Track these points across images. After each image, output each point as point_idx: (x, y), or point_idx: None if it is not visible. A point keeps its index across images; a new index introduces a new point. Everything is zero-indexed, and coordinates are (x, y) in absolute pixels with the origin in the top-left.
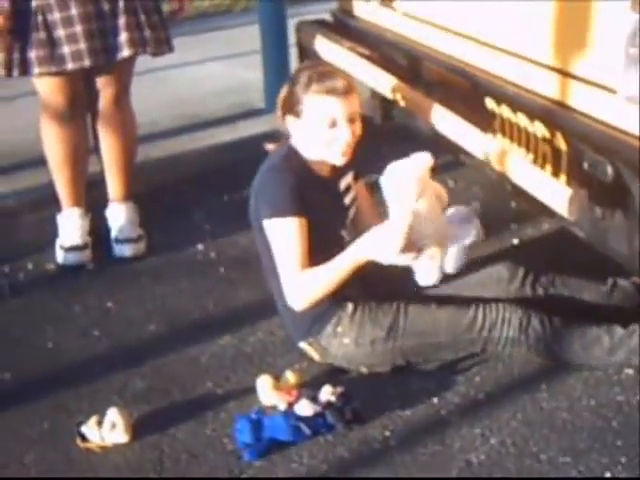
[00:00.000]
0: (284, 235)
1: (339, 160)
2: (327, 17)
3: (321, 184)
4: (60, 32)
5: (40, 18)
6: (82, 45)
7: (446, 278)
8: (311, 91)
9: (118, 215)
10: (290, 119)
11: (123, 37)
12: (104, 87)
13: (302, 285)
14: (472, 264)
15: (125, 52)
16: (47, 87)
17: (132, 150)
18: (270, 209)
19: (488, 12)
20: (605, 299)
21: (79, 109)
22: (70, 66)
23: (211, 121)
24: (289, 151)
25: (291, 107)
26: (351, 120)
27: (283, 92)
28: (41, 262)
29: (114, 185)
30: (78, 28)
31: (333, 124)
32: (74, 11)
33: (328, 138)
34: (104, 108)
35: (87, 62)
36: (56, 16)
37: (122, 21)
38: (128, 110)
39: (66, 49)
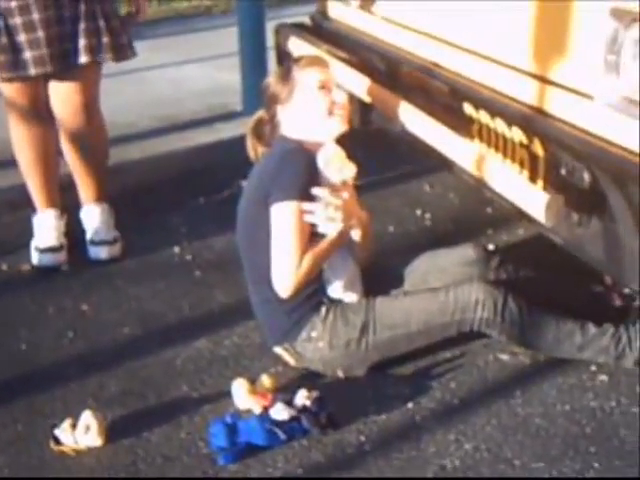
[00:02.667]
0: (296, 218)
1: (340, 128)
2: (306, 20)
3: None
4: (22, 37)
5: (1, 23)
6: (44, 50)
7: (409, 267)
8: (297, 68)
9: (92, 217)
10: (280, 108)
11: (81, 43)
12: (71, 95)
13: (298, 273)
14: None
15: (83, 58)
16: (11, 91)
17: (102, 157)
18: (287, 190)
19: (467, 17)
20: (568, 297)
21: (45, 111)
22: (32, 71)
23: (189, 123)
24: (293, 141)
25: (278, 95)
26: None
27: (266, 92)
28: (16, 263)
29: (85, 188)
30: (40, 33)
31: (323, 87)
32: (35, 16)
33: (327, 104)
34: (72, 117)
35: (49, 67)
36: (17, 21)
37: (82, 27)
38: (98, 118)
39: (28, 54)
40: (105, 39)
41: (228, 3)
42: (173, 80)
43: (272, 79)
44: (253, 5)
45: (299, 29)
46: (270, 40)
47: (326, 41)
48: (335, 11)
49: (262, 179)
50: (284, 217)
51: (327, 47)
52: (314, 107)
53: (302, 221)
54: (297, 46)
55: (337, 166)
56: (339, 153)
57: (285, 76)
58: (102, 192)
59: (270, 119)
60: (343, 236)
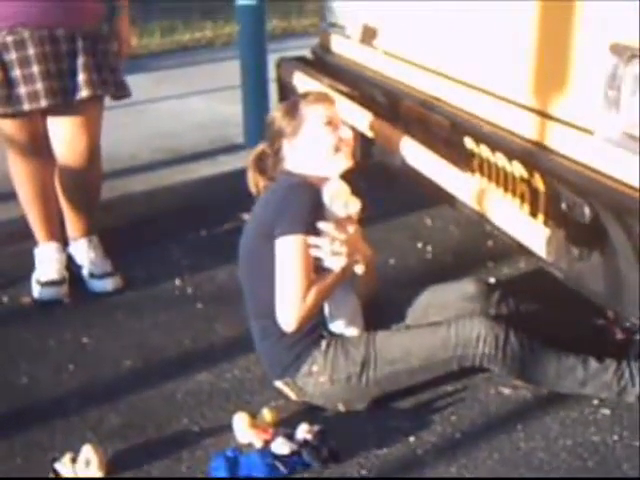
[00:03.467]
0: (302, 251)
1: (346, 164)
2: (308, 53)
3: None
4: (16, 72)
5: None
6: (39, 85)
7: (410, 302)
8: (304, 103)
9: (87, 251)
10: (286, 143)
11: (81, 78)
12: (75, 138)
13: (303, 308)
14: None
15: (83, 93)
16: (7, 127)
17: (97, 194)
18: (293, 224)
19: (468, 52)
20: (569, 331)
21: (44, 145)
22: (26, 107)
23: (191, 155)
24: (298, 176)
25: (284, 130)
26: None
27: (272, 126)
28: (17, 296)
29: (76, 223)
30: (35, 68)
31: (330, 123)
32: (31, 51)
33: (334, 141)
34: (74, 160)
35: (44, 103)
36: (13, 56)
37: (80, 62)
38: (98, 159)
39: (22, 90)
40: (105, 75)
41: (230, 35)
42: (175, 112)
43: (278, 113)
44: (254, 38)
45: (300, 63)
46: (272, 73)
47: (327, 75)
48: (336, 45)
49: (266, 213)
50: (289, 251)
51: (328, 81)
52: (321, 143)
53: (307, 255)
54: (299, 80)
55: (342, 201)
56: (344, 188)
57: (291, 111)
58: (93, 226)
59: (274, 153)
60: (347, 271)
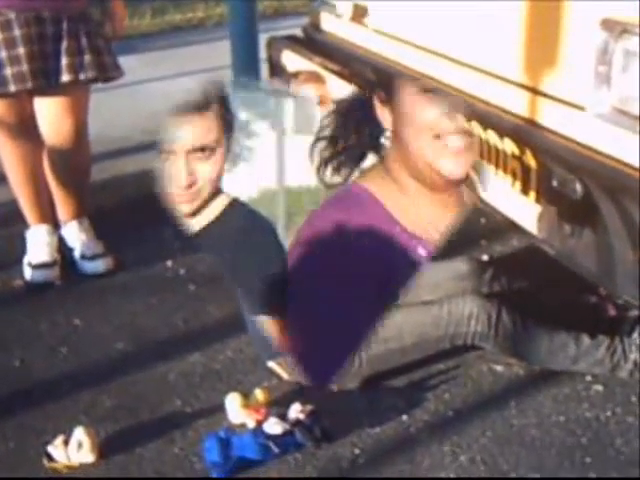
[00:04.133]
0: None
1: None
2: (299, 32)
3: None
4: (2, 53)
5: None
6: (24, 67)
7: None
8: (295, 83)
9: (78, 233)
10: None
11: (63, 62)
12: (60, 120)
13: None
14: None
15: (65, 77)
16: None
17: (86, 177)
18: None
19: (459, 29)
20: (562, 308)
21: (32, 127)
22: (13, 88)
23: None
24: None
25: None
26: None
27: None
28: (8, 279)
29: (67, 206)
30: (21, 50)
31: (321, 102)
32: (17, 32)
33: None
34: (61, 142)
35: (30, 84)
36: None
37: (64, 45)
38: (86, 142)
39: (8, 70)
40: (88, 57)
41: (221, 16)
42: (166, 93)
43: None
44: (245, 18)
45: (291, 41)
46: (263, 53)
47: (318, 53)
48: (327, 23)
49: None
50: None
51: (319, 59)
52: None
53: None
54: (289, 59)
55: None
56: None
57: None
58: (84, 208)
59: None
60: None
